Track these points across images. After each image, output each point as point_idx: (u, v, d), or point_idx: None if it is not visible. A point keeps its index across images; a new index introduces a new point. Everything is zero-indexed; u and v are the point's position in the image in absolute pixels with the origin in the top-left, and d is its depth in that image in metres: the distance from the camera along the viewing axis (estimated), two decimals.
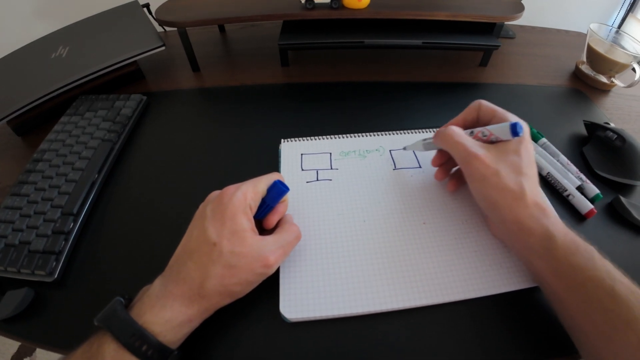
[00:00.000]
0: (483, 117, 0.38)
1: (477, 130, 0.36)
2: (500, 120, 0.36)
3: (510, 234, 0.33)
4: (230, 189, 0.32)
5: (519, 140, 0.33)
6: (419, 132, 0.49)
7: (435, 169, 0.41)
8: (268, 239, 0.32)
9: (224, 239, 0.29)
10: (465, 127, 0.38)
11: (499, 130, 0.34)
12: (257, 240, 0.30)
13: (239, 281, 0.29)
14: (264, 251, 0.30)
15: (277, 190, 0.34)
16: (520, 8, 0.58)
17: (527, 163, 0.33)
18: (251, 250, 0.30)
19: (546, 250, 0.30)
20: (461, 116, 0.39)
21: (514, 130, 0.33)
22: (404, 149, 0.45)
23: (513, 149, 0.33)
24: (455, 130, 0.36)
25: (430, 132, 0.49)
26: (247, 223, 0.30)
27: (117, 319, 0.26)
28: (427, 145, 0.41)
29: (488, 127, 0.35)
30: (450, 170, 0.41)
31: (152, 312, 0.27)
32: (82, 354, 0.26)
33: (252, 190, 0.32)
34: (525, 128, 0.34)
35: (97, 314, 0.27)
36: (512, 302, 0.34)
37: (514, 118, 0.35)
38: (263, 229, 0.35)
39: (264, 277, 0.31)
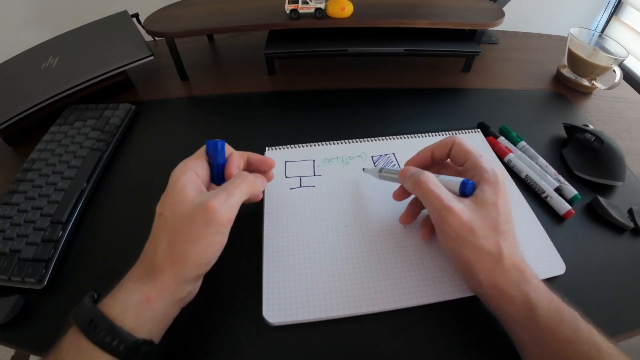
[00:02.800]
0: (455, 157, 0.36)
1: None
2: (472, 166, 0.34)
3: (488, 298, 0.30)
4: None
5: (495, 190, 0.31)
6: (403, 138, 0.50)
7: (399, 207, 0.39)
8: (212, 191, 0.31)
9: (166, 205, 0.30)
10: (432, 161, 0.37)
11: (450, 183, 0.33)
12: (199, 194, 0.30)
13: (186, 239, 0.28)
14: (204, 199, 0.29)
15: (213, 147, 0.34)
16: (500, 15, 0.59)
17: (505, 219, 0.31)
18: (192, 205, 0.29)
19: (529, 321, 0.28)
20: (429, 149, 0.37)
21: (463, 190, 0.32)
22: (363, 170, 0.44)
23: (490, 202, 0.31)
24: (431, 178, 0.33)
25: (414, 137, 0.50)
26: (189, 183, 0.31)
27: (79, 307, 0.27)
28: (384, 176, 0.40)
29: (440, 177, 0.34)
30: (417, 212, 0.38)
31: (110, 295, 0.28)
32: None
33: (190, 158, 0.34)
34: (499, 176, 0.33)
35: None
36: None
37: (487, 165, 0.33)
38: None
39: (216, 228, 0.29)
